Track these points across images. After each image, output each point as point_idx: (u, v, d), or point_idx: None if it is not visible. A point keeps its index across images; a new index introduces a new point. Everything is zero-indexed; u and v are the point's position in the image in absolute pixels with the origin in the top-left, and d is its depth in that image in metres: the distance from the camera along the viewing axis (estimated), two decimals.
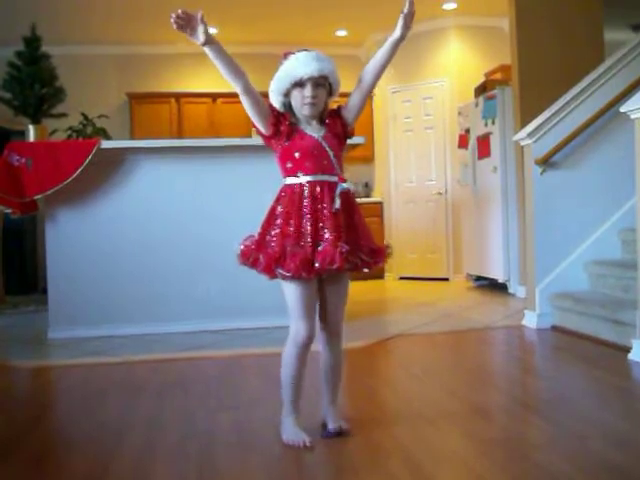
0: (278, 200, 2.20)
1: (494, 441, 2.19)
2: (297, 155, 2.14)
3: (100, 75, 7.74)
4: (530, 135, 4.27)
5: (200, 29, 2.04)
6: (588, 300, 3.90)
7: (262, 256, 2.09)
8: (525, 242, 4.56)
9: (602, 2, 5.46)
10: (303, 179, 2.13)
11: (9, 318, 5.22)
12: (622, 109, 3.38)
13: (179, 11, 1.99)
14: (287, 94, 2.17)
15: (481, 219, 6.31)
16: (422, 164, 7.41)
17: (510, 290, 5.81)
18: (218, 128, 7.63)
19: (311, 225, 2.08)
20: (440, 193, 7.25)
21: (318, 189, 2.11)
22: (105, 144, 4.21)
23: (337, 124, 2.23)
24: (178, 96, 7.72)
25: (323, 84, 2.15)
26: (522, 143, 4.43)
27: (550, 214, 4.26)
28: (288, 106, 2.19)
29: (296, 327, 2.15)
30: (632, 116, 3.29)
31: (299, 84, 2.12)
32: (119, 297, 4.28)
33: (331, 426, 2.24)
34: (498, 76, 6.29)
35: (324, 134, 2.18)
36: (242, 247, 2.18)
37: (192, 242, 4.38)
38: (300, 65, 2.12)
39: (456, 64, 7.24)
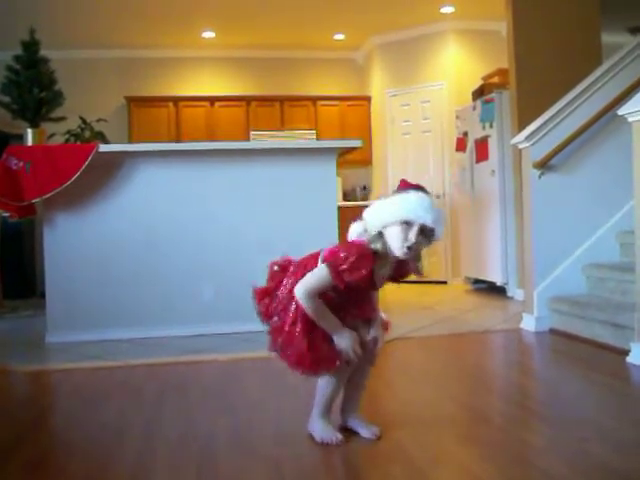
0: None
1: (493, 444, 2.19)
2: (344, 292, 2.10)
3: (99, 79, 7.75)
4: (528, 138, 4.28)
5: None
6: (586, 303, 3.91)
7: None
8: (523, 245, 4.56)
9: (599, 5, 5.48)
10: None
11: (7, 322, 5.21)
12: (620, 112, 3.39)
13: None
14: (386, 226, 2.05)
15: (479, 222, 6.32)
16: (420, 167, 7.42)
17: (508, 293, 5.81)
18: (216, 131, 7.65)
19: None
20: (438, 196, 7.25)
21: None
22: (103, 148, 4.22)
23: (398, 273, 2.18)
24: (176, 100, 7.74)
25: (428, 236, 2.05)
26: (520, 146, 4.44)
27: (548, 217, 4.26)
28: (378, 236, 2.06)
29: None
30: (630, 119, 3.30)
31: (407, 223, 2.01)
32: (118, 301, 4.28)
33: (366, 434, 2.25)
34: (496, 80, 6.30)
35: (389, 271, 2.15)
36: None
37: (191, 245, 4.38)
38: (419, 208, 2.01)
39: (454, 68, 7.25)
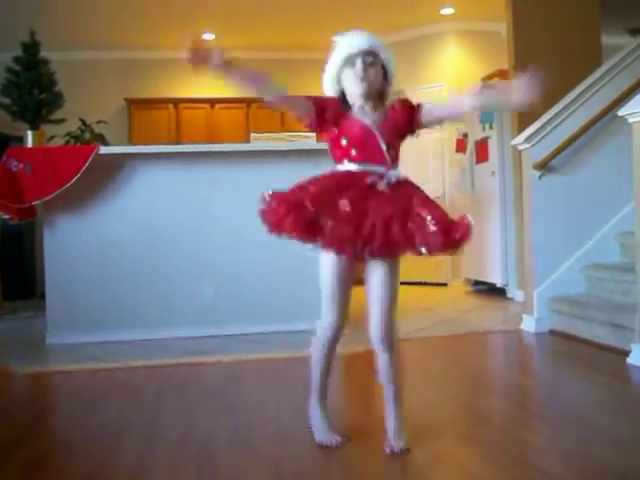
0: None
1: (493, 444, 2.19)
2: (345, 142, 2.06)
3: (99, 80, 7.75)
4: (528, 140, 4.28)
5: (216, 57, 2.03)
6: (586, 304, 3.91)
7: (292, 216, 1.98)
8: (523, 246, 4.56)
9: (599, 7, 5.48)
10: (349, 166, 2.06)
11: (7, 323, 5.20)
12: (620, 113, 3.40)
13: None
14: (340, 81, 2.09)
15: (479, 223, 6.31)
16: (420, 168, 7.39)
17: (508, 294, 5.80)
18: (216, 133, 7.65)
19: (350, 203, 1.96)
20: (438, 197, 7.24)
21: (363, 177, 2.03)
22: (104, 150, 4.22)
23: (403, 115, 2.11)
24: (176, 102, 7.74)
25: (375, 63, 2.05)
26: (520, 147, 4.44)
27: (548, 218, 4.26)
28: (342, 94, 2.10)
29: (324, 309, 2.15)
30: (630, 120, 3.30)
31: (350, 62, 2.04)
32: (118, 302, 4.27)
33: (388, 447, 2.10)
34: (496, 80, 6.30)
35: (379, 121, 2.08)
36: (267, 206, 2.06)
37: (191, 247, 4.37)
38: (349, 41, 2.06)
39: (454, 69, 7.26)
